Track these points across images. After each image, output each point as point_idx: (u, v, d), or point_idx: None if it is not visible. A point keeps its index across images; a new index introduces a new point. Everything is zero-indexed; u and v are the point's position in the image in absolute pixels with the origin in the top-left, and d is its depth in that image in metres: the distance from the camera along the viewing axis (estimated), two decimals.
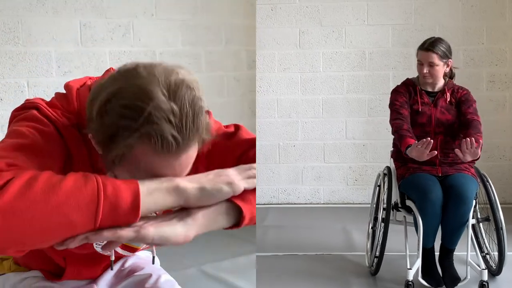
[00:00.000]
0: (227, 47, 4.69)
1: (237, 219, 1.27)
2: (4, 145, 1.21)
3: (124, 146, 1.18)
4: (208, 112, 1.53)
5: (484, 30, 4.99)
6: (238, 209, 1.26)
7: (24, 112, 1.35)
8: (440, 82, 3.27)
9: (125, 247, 1.69)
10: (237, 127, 1.59)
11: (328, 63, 5.07)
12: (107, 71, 1.46)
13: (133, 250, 1.72)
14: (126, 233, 1.14)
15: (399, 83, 3.42)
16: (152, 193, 1.17)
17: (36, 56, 3.85)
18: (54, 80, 3.89)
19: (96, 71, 4.03)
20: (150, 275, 1.68)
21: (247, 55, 4.88)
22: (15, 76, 3.83)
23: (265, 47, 5.03)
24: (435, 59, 3.17)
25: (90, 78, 1.52)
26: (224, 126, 1.61)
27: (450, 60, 3.24)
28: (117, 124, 1.17)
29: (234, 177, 1.27)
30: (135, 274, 1.72)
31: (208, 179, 1.25)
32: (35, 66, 3.86)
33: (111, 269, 1.65)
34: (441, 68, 3.21)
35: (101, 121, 1.19)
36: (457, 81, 3.69)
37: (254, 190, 1.30)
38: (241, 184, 1.26)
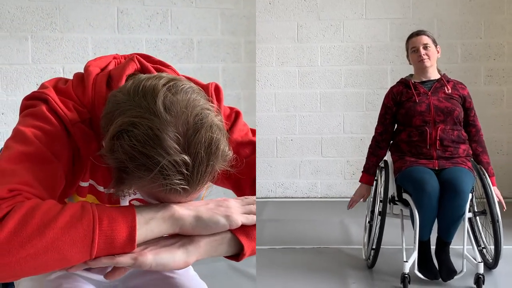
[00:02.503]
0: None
1: (238, 251, 1.27)
2: (10, 153, 1.21)
3: (132, 183, 1.20)
4: (238, 114, 1.54)
5: (482, 24, 4.99)
6: (240, 244, 1.26)
7: (33, 104, 1.33)
8: (435, 71, 3.32)
9: None
10: None
11: (326, 57, 5.07)
12: (131, 59, 1.43)
13: None
14: (124, 259, 1.14)
15: (397, 77, 3.49)
16: (148, 222, 1.18)
17: (73, 42, 3.90)
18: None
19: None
20: None
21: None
22: (51, 62, 3.89)
23: (263, 41, 5.03)
24: (429, 40, 3.30)
25: (115, 57, 1.49)
26: (251, 130, 1.57)
27: (438, 46, 3.36)
28: (127, 164, 1.16)
29: (234, 211, 1.25)
30: None
31: (207, 208, 1.25)
32: (71, 52, 3.91)
33: None
34: (434, 51, 3.31)
35: (111, 150, 1.17)
36: (455, 75, 3.71)
37: (254, 224, 1.29)
38: (240, 219, 1.25)
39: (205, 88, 1.37)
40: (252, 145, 1.52)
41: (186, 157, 1.14)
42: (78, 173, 1.37)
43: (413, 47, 3.33)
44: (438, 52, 3.34)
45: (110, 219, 1.12)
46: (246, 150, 1.50)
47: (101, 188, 1.44)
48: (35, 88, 1.38)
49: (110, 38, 3.99)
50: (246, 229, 1.27)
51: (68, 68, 3.89)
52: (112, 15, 3.98)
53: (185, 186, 1.16)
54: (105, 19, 3.96)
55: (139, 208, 1.19)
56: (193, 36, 4.27)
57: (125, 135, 1.14)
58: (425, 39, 3.30)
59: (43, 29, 3.80)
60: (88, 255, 1.10)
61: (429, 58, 3.28)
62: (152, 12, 4.12)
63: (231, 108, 1.56)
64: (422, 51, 3.28)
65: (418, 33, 3.33)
